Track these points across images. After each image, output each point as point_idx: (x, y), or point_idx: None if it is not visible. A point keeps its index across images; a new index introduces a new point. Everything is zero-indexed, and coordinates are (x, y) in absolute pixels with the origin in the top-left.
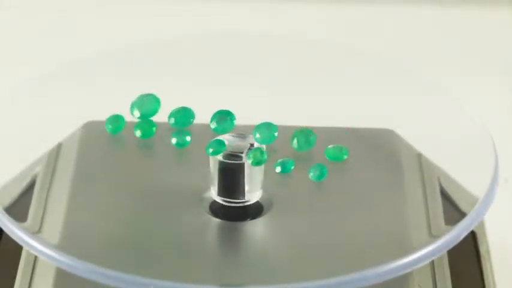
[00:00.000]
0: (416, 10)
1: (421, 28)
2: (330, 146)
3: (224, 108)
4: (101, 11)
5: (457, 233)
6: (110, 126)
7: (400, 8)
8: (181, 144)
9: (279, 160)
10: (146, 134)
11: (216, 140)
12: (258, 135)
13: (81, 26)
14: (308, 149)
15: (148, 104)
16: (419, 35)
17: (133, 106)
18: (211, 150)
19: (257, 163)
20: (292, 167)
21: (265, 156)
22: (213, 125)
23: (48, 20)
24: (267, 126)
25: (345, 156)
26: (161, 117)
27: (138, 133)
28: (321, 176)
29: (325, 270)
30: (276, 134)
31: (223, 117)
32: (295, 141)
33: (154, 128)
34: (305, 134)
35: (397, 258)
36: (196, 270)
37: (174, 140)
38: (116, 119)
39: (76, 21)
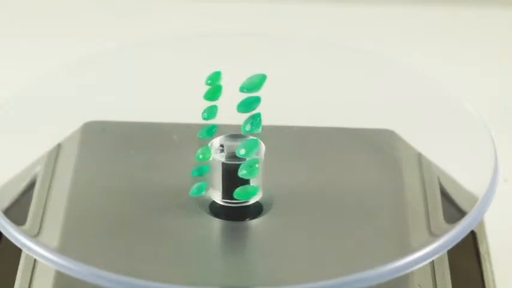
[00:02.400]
0: (416, 10)
1: (421, 28)
2: (237, 189)
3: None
4: (101, 11)
5: (457, 232)
6: (209, 81)
7: (400, 8)
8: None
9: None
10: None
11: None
12: (242, 151)
13: (82, 26)
14: (253, 177)
15: (254, 78)
16: (419, 35)
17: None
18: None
19: (202, 159)
20: (203, 192)
21: (210, 156)
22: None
23: (48, 20)
24: (251, 143)
25: (253, 195)
26: (162, 117)
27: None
28: (199, 191)
29: (326, 270)
30: (257, 148)
31: (253, 118)
32: (243, 171)
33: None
34: (250, 164)
35: (397, 258)
36: (197, 271)
37: (205, 114)
38: (216, 75)
39: (76, 21)
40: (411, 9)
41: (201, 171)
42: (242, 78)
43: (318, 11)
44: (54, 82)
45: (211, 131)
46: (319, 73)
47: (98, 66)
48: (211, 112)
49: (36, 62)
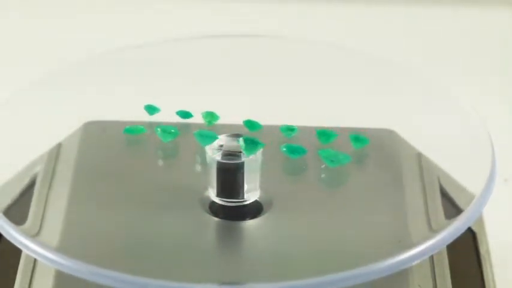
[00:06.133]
0: (416, 10)
1: (421, 28)
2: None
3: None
4: (101, 11)
5: (455, 227)
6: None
7: (400, 8)
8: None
9: None
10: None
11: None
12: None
13: (82, 26)
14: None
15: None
16: (419, 35)
17: None
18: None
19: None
20: None
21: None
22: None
23: (49, 20)
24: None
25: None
26: (162, 117)
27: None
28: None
29: (326, 267)
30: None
31: (254, 143)
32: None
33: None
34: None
35: (397, 254)
36: (196, 270)
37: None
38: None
39: (76, 21)
40: (411, 9)
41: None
42: (242, 78)
43: (318, 11)
44: (54, 82)
45: (256, 125)
46: (320, 73)
47: (99, 66)
48: (289, 130)
49: (37, 61)
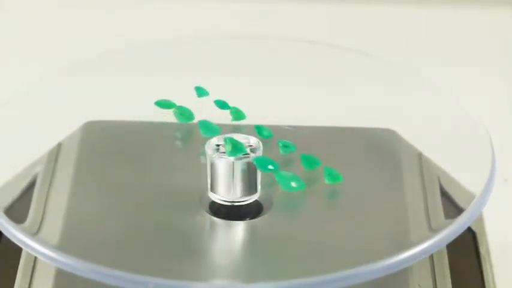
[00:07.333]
0: (416, 10)
1: (421, 28)
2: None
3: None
4: (101, 11)
5: (455, 227)
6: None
7: (400, 8)
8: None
9: None
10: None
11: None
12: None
13: (82, 26)
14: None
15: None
16: (419, 35)
17: None
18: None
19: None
20: None
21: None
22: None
23: (49, 20)
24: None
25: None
26: (162, 117)
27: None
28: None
29: (325, 266)
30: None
31: (236, 146)
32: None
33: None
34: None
35: (397, 253)
36: (196, 269)
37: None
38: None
39: (76, 21)
40: (411, 9)
41: None
42: (242, 79)
43: (319, 11)
44: (54, 82)
45: (264, 131)
46: (320, 73)
47: (99, 66)
48: (285, 147)
49: (37, 61)
